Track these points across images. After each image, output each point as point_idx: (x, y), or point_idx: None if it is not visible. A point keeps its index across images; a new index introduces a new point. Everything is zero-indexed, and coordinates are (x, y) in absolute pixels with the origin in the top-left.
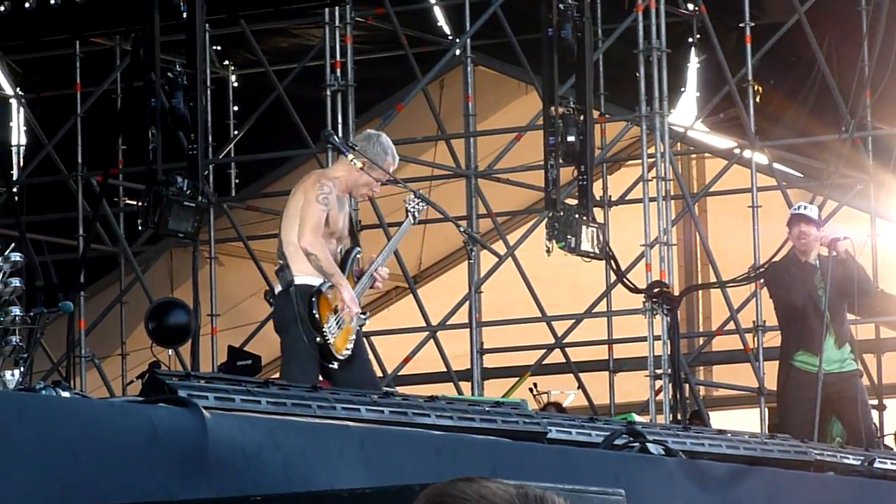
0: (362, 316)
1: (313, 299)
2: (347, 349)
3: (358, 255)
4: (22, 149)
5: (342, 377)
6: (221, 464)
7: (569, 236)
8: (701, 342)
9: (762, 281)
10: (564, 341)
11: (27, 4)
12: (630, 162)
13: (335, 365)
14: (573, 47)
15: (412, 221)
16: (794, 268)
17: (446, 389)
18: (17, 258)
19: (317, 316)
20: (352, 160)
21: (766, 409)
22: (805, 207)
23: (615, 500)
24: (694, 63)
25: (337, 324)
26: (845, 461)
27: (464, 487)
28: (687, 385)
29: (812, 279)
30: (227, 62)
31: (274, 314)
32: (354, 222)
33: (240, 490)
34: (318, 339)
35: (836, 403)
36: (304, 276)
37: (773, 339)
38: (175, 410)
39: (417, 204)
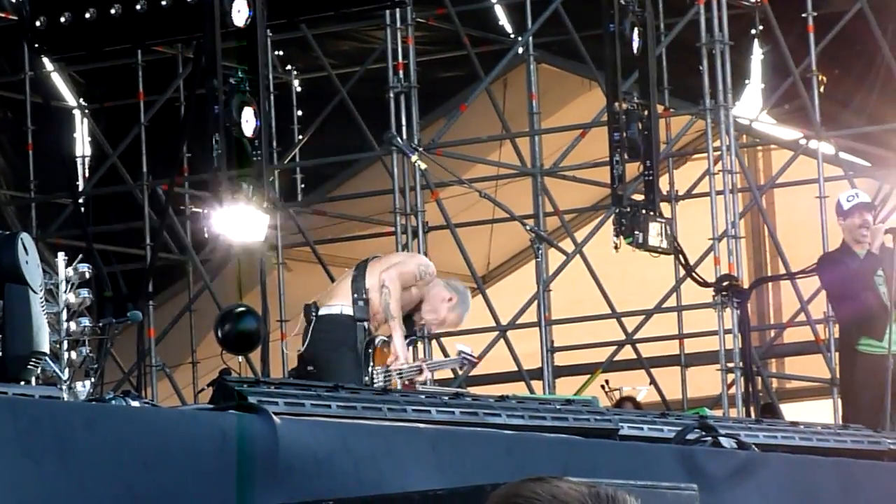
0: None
1: (370, 348)
2: None
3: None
4: (87, 160)
5: None
6: (292, 469)
7: (636, 232)
8: (772, 334)
9: (816, 273)
10: (635, 337)
11: (87, 15)
12: (696, 156)
13: None
14: (634, 42)
15: (458, 365)
16: (848, 258)
17: (518, 389)
18: (86, 269)
19: (371, 358)
20: (415, 161)
21: (839, 400)
22: (860, 195)
23: (688, 496)
24: (757, 54)
25: (384, 377)
26: None
27: (535, 487)
28: (759, 378)
29: (872, 270)
30: (289, 67)
31: (327, 330)
32: None
33: (312, 495)
34: (364, 377)
35: None
36: (368, 324)
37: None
38: (245, 417)
39: (468, 356)
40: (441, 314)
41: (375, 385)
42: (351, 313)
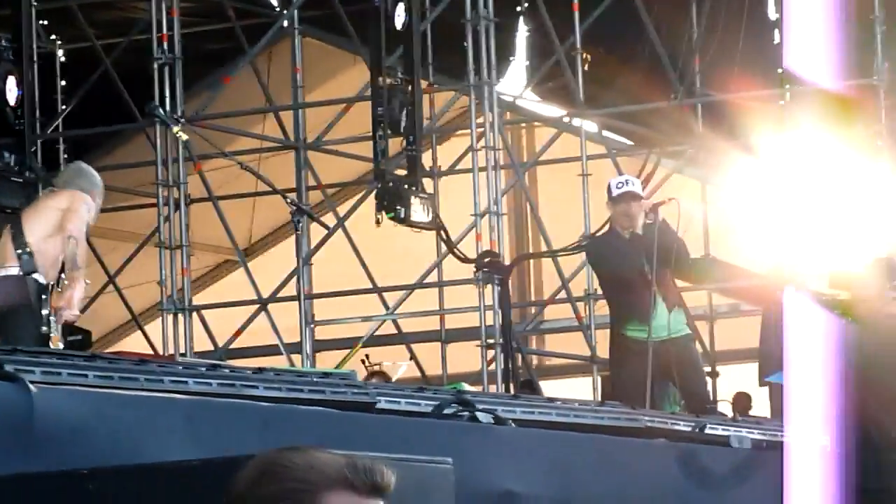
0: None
1: (44, 295)
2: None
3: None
4: None
5: None
6: (48, 438)
7: (398, 207)
8: (533, 311)
9: (585, 254)
10: (396, 312)
11: None
12: (459, 132)
13: None
14: (399, 17)
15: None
16: (617, 241)
17: (278, 362)
18: None
19: (45, 309)
20: (177, 132)
21: (599, 378)
22: (631, 183)
23: (443, 469)
24: (523, 31)
25: (55, 322)
26: (676, 427)
27: (292, 456)
28: (519, 354)
29: (638, 250)
30: (53, 36)
31: (2, 291)
32: None
33: (67, 464)
34: (43, 328)
35: (672, 369)
36: (41, 274)
37: (605, 308)
38: (1, 385)
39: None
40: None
41: (51, 331)
42: (17, 271)
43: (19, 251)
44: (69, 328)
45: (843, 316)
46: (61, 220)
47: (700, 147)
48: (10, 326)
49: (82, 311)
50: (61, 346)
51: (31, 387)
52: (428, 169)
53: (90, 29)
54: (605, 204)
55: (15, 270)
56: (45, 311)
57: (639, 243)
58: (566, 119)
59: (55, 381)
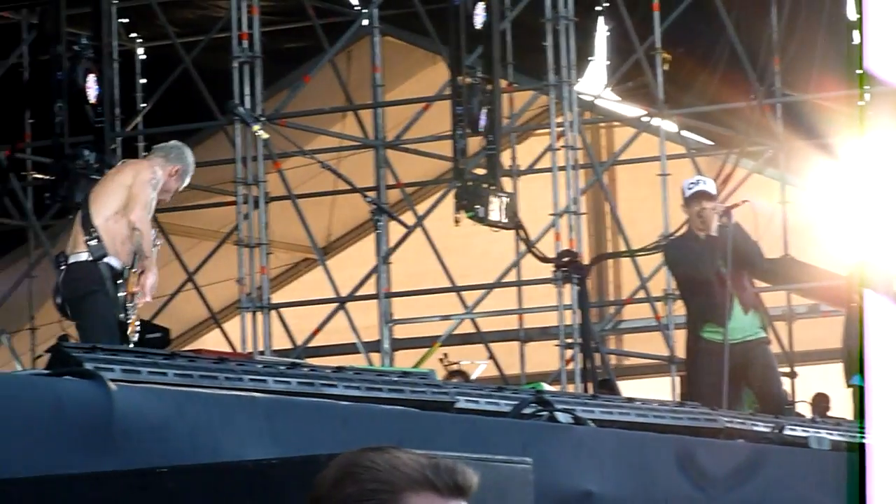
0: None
1: (119, 281)
2: (132, 338)
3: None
4: None
5: None
6: (127, 436)
7: (477, 206)
8: (612, 311)
9: (663, 257)
10: (474, 311)
11: None
12: (539, 131)
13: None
14: (479, 16)
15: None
16: (693, 243)
17: (356, 361)
18: None
19: (122, 295)
20: (257, 131)
21: (677, 378)
22: (703, 182)
23: (522, 469)
24: (602, 31)
25: (133, 308)
26: (755, 428)
27: (374, 457)
28: (597, 354)
29: (713, 252)
30: (133, 35)
31: (72, 278)
32: None
33: (146, 462)
34: (121, 315)
35: (747, 372)
36: (113, 257)
37: (684, 308)
38: (81, 383)
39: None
40: (174, 187)
41: (123, 318)
42: (87, 256)
43: (86, 237)
44: (148, 326)
45: None
46: (127, 198)
47: (779, 148)
48: (85, 312)
49: (164, 304)
50: (137, 330)
51: (111, 385)
52: (507, 168)
53: (170, 27)
54: (680, 206)
55: (85, 256)
56: (120, 294)
57: (714, 245)
58: (645, 119)
59: (135, 380)
